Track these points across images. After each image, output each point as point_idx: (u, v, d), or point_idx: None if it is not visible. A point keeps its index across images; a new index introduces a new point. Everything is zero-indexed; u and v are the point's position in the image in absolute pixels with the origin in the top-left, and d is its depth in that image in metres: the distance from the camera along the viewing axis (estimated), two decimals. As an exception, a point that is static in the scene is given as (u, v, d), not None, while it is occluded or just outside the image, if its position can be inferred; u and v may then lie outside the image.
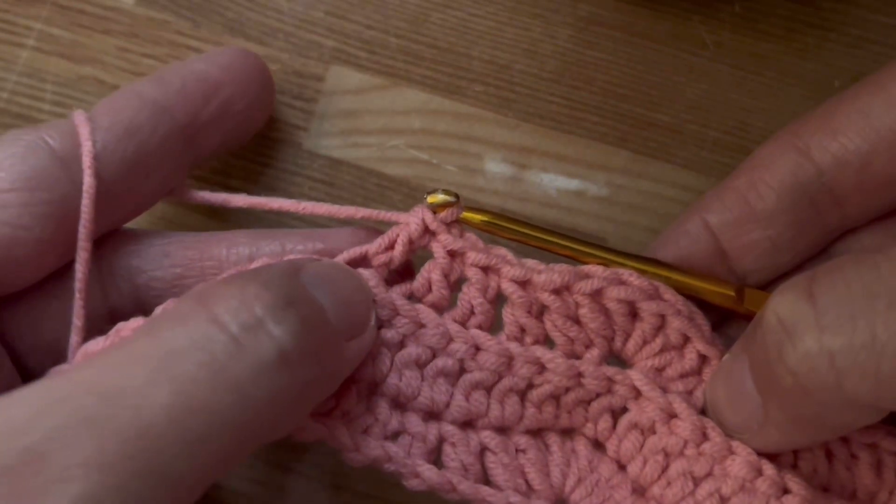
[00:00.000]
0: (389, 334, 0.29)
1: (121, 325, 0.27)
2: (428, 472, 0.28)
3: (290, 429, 0.26)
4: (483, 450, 0.29)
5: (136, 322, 0.27)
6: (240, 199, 0.33)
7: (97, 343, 0.27)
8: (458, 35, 0.39)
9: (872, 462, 0.29)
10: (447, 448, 0.29)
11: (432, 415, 0.29)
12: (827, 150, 0.29)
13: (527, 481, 0.29)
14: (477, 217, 0.30)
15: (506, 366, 0.29)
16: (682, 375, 0.30)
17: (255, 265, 0.28)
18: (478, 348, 0.29)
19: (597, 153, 0.38)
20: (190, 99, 0.32)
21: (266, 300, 0.24)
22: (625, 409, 0.30)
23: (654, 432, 0.29)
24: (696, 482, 0.28)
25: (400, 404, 0.29)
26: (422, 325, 0.29)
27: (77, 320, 0.29)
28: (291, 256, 0.30)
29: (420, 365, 0.29)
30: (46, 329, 0.30)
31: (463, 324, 0.30)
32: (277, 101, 0.38)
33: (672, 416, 0.29)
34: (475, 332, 0.29)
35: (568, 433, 0.31)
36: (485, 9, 0.39)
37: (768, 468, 0.28)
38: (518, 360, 0.29)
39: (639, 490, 0.29)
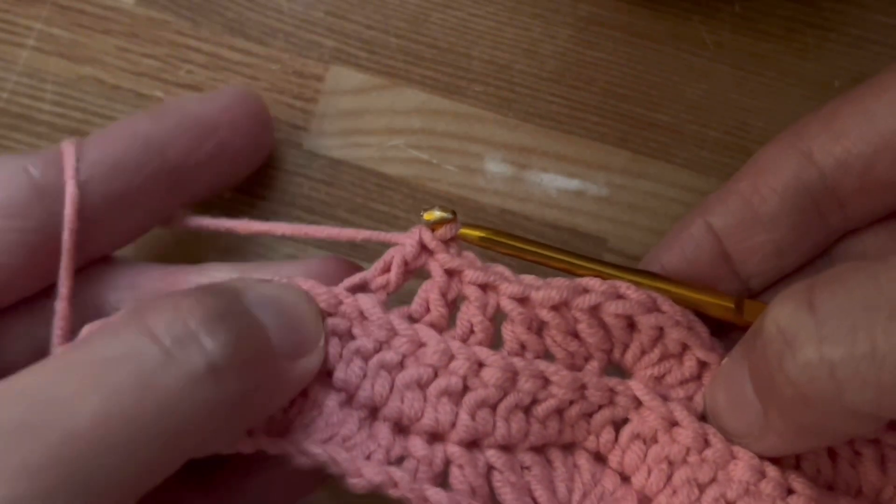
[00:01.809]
0: (388, 356, 0.28)
1: (84, 329, 0.27)
2: (436, 495, 0.27)
3: (225, 443, 0.26)
4: (489, 469, 0.29)
5: (95, 325, 0.27)
6: (240, 226, 0.32)
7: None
8: (458, 35, 0.39)
9: (876, 458, 0.29)
10: (454, 470, 0.28)
11: (436, 436, 0.29)
12: (830, 154, 0.29)
13: (534, 499, 0.29)
14: (474, 234, 0.30)
15: (510, 382, 0.29)
16: (682, 382, 0.30)
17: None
18: (481, 365, 0.29)
19: (597, 153, 0.38)
20: (183, 140, 0.32)
21: (199, 313, 0.24)
22: (626, 420, 0.30)
23: (656, 441, 0.29)
24: (701, 489, 0.28)
25: (403, 427, 0.29)
26: (422, 345, 0.29)
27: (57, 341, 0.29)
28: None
29: (422, 385, 0.28)
30: (23, 345, 0.30)
31: (463, 342, 0.29)
32: (277, 101, 0.38)
33: (673, 424, 0.29)
34: (477, 348, 0.29)
35: (569, 447, 0.30)
36: (485, 9, 0.39)
37: (771, 470, 0.28)
38: (522, 376, 0.29)
39: (645, 501, 0.29)
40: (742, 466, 0.28)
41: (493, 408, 0.29)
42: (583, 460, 0.30)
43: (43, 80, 0.38)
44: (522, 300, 0.29)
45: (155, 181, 0.31)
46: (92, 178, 0.30)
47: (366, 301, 0.29)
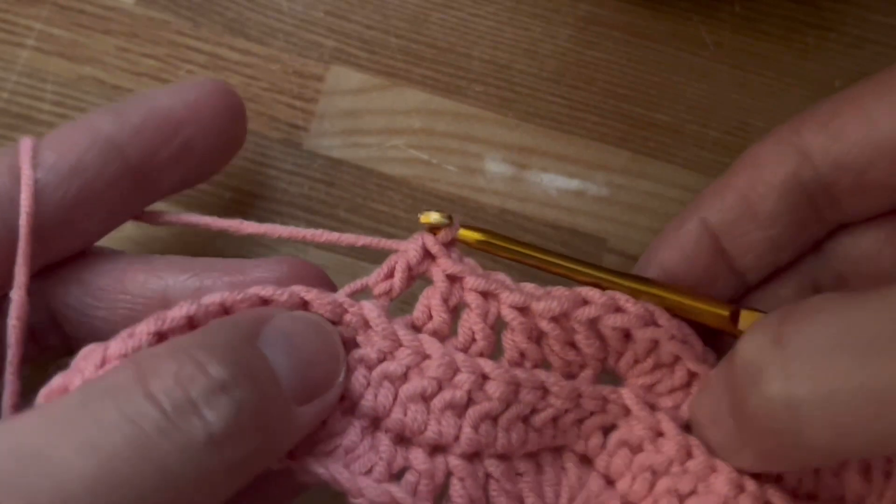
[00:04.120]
0: (392, 367, 0.28)
1: (84, 351, 0.26)
2: None
3: (226, 498, 0.25)
4: (487, 478, 0.29)
5: (94, 353, 0.26)
6: (211, 221, 0.31)
7: (59, 380, 0.26)
8: (458, 35, 0.39)
9: (860, 467, 0.29)
10: (455, 482, 0.28)
11: (438, 448, 0.29)
12: (828, 154, 0.29)
13: (524, 503, 0.29)
14: (473, 236, 0.30)
15: (513, 394, 0.29)
16: (672, 391, 0.30)
17: (211, 298, 0.27)
18: (485, 377, 0.29)
19: (597, 153, 0.38)
20: (147, 138, 0.30)
21: (202, 384, 0.23)
22: (614, 426, 0.30)
23: (642, 450, 0.30)
24: (682, 499, 0.28)
25: (405, 439, 0.28)
26: (426, 356, 0.28)
27: (12, 362, 0.28)
28: (256, 297, 0.28)
29: (426, 398, 0.28)
30: None
31: (466, 351, 0.29)
32: (277, 101, 0.38)
33: (659, 434, 0.29)
34: (482, 361, 0.29)
35: (557, 450, 0.31)
36: (485, 9, 0.39)
37: (750, 485, 0.28)
38: (524, 388, 0.29)
39: None
40: (722, 480, 0.28)
41: (495, 419, 0.29)
42: (570, 463, 0.30)
43: (43, 80, 0.38)
44: (523, 309, 0.29)
45: (117, 182, 0.30)
46: (49, 183, 0.29)
47: (370, 310, 0.29)
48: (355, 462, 0.27)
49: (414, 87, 0.39)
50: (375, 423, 0.28)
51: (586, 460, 0.30)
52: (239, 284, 0.30)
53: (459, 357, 0.28)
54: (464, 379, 0.28)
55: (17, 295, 0.29)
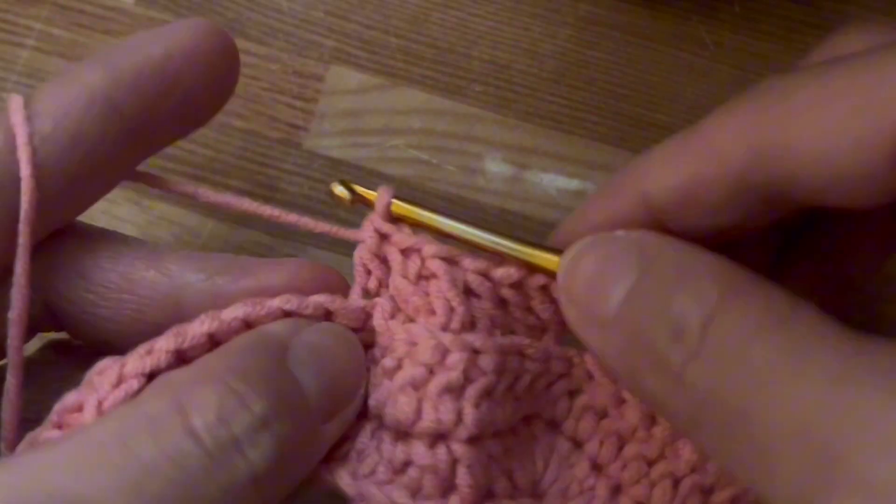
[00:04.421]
0: (388, 362, 0.28)
1: (99, 366, 0.25)
2: None
3: None
4: (490, 461, 0.28)
5: (110, 370, 0.25)
6: (212, 195, 0.30)
7: (74, 398, 0.25)
8: (458, 35, 0.39)
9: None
10: (461, 470, 0.27)
11: (439, 437, 0.28)
12: (782, 162, 0.25)
13: (511, 478, 0.29)
14: (399, 210, 0.29)
15: (502, 364, 0.28)
16: None
17: (233, 313, 0.26)
18: (476, 352, 0.28)
19: (597, 153, 0.38)
20: (145, 94, 0.28)
21: (245, 420, 0.23)
22: (580, 391, 0.30)
23: (607, 415, 0.30)
24: (651, 464, 0.28)
25: (404, 434, 0.28)
26: (413, 343, 0.28)
27: (14, 357, 0.26)
28: (286, 307, 0.27)
29: (416, 386, 0.27)
30: None
31: (447, 326, 0.28)
32: (277, 101, 0.38)
33: (622, 401, 0.29)
34: (469, 336, 0.28)
35: (528, 418, 0.30)
36: (485, 9, 0.39)
37: None
38: (509, 355, 0.28)
39: (597, 468, 0.29)
40: (690, 446, 0.28)
41: (491, 394, 0.28)
42: (538, 430, 0.30)
43: (43, 80, 0.38)
44: (486, 275, 0.28)
45: (115, 143, 0.28)
46: (48, 155, 0.26)
47: (377, 313, 0.28)
48: (363, 464, 0.27)
49: (414, 87, 0.39)
50: (380, 421, 0.28)
51: (554, 425, 0.30)
52: (255, 289, 0.28)
53: (447, 338, 0.27)
54: (456, 359, 0.27)
55: (18, 286, 0.26)
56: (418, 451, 0.27)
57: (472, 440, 0.28)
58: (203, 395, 0.23)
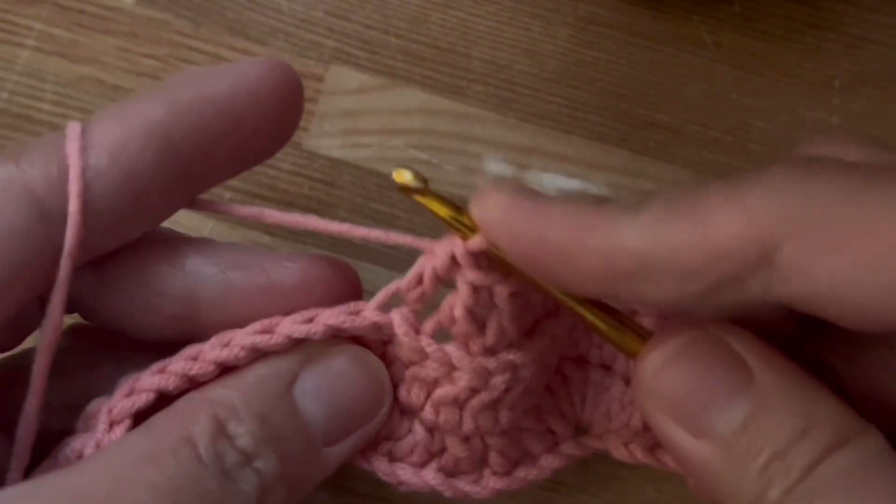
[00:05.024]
0: (423, 373, 0.28)
1: (161, 364, 0.26)
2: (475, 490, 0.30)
3: None
4: (521, 432, 0.30)
5: (123, 382, 0.26)
6: (278, 215, 0.28)
7: (95, 405, 0.26)
8: (458, 35, 0.39)
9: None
10: (493, 456, 0.29)
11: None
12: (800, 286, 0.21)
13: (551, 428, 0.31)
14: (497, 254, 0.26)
15: (538, 362, 0.29)
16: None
17: (243, 340, 0.26)
18: (516, 368, 0.28)
19: (597, 153, 0.38)
20: (205, 134, 0.26)
21: (231, 454, 0.24)
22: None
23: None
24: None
25: (439, 430, 0.29)
26: (454, 368, 0.28)
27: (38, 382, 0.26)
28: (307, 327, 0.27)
29: (459, 404, 0.28)
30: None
31: (495, 349, 0.28)
32: (277, 101, 0.38)
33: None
34: (512, 355, 0.28)
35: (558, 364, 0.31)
36: (485, 9, 0.40)
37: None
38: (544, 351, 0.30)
39: (629, 381, 0.30)
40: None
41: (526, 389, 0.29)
42: (569, 369, 0.31)
43: (43, 80, 0.38)
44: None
45: (171, 183, 0.26)
46: (99, 191, 0.25)
47: (398, 322, 0.28)
48: (395, 447, 0.29)
49: (414, 87, 0.39)
50: (410, 410, 0.29)
51: (581, 360, 0.31)
52: (267, 287, 0.28)
53: (491, 363, 0.28)
54: (500, 381, 0.28)
55: (52, 317, 0.26)
56: (454, 444, 0.29)
57: (506, 431, 0.29)
58: (202, 426, 0.24)
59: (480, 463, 0.30)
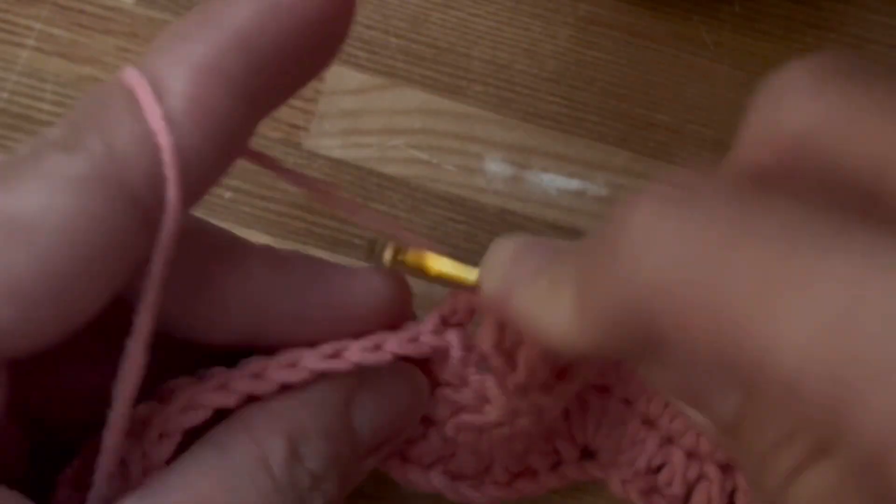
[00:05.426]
0: (454, 396, 0.29)
1: (172, 383, 0.25)
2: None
3: None
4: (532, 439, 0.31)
5: (183, 393, 0.25)
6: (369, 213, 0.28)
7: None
8: (458, 35, 0.39)
9: None
10: (497, 467, 0.31)
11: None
12: None
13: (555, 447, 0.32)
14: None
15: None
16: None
17: (311, 364, 0.26)
18: (542, 412, 0.29)
19: (597, 153, 0.38)
20: (259, 56, 0.22)
21: (303, 476, 0.24)
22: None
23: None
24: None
25: (453, 443, 0.30)
26: (487, 401, 0.28)
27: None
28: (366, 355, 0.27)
29: (483, 430, 0.29)
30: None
31: (526, 389, 0.28)
32: (277, 101, 0.38)
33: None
34: (541, 398, 0.28)
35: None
36: (485, 9, 0.40)
37: None
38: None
39: (647, 422, 0.31)
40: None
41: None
42: (591, 396, 0.32)
43: (43, 80, 0.38)
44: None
45: (238, 117, 0.22)
46: (182, 148, 0.21)
47: (453, 343, 0.28)
48: (408, 448, 0.30)
49: (414, 87, 0.39)
50: (430, 420, 0.29)
51: (605, 390, 0.32)
52: (332, 305, 0.26)
53: (523, 405, 0.28)
54: (524, 422, 0.28)
55: (137, 342, 0.22)
56: (463, 454, 0.30)
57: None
58: (277, 447, 0.24)
59: (484, 472, 0.31)
